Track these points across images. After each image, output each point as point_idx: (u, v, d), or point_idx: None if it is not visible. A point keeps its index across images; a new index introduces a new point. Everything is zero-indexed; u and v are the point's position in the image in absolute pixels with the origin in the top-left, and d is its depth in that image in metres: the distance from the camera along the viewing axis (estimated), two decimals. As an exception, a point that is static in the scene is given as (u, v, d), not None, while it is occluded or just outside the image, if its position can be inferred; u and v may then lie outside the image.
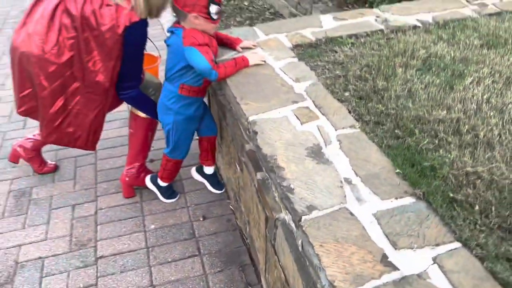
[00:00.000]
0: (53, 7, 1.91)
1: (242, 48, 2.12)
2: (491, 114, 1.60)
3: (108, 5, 1.89)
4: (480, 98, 1.69)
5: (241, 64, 1.97)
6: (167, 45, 2.02)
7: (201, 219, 2.32)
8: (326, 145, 1.52)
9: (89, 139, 2.20)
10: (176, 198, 2.44)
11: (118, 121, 3.07)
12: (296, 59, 2.05)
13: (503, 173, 1.36)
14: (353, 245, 1.18)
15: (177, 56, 1.94)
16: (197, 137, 2.36)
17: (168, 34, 2.01)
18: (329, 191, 1.34)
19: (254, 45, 2.15)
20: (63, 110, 2.08)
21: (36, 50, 1.93)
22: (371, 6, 3.27)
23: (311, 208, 1.30)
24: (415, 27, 2.33)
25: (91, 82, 2.01)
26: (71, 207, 2.43)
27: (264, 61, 2.02)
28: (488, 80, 1.79)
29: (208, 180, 2.46)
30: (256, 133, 1.61)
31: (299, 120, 1.65)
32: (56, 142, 2.24)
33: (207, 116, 2.26)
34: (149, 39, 2.24)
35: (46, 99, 2.04)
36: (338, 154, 1.48)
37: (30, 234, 2.27)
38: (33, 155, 2.58)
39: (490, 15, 2.42)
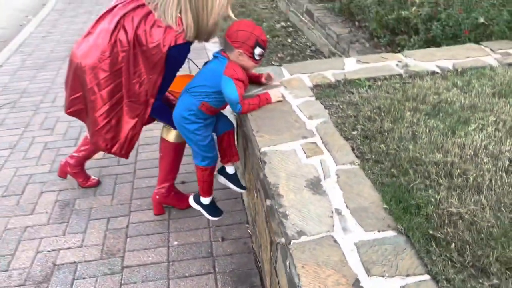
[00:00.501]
0: (114, 24, 2.18)
1: (266, 79, 2.35)
2: (486, 160, 1.69)
3: (159, 26, 2.12)
4: (479, 144, 1.78)
5: (264, 102, 2.18)
6: (205, 65, 2.25)
7: (220, 240, 2.51)
8: (325, 178, 1.68)
9: (124, 147, 2.39)
10: (221, 216, 2.49)
11: (157, 144, 3.35)
12: (313, 98, 2.23)
13: (485, 216, 1.45)
14: (331, 269, 1.31)
15: (212, 78, 2.14)
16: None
17: (211, 58, 2.25)
18: (320, 220, 1.49)
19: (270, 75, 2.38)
20: (106, 115, 2.30)
21: (93, 60, 2.20)
22: (403, 49, 3.41)
23: (300, 233, 1.45)
24: (433, 73, 2.45)
25: (134, 93, 2.24)
26: (106, 219, 2.70)
27: (283, 97, 2.22)
28: (491, 128, 1.88)
29: (231, 181, 2.51)
30: (265, 162, 1.80)
31: (305, 153, 1.82)
32: (95, 145, 2.44)
33: (220, 115, 2.38)
34: (196, 65, 2.46)
35: (94, 103, 2.28)
36: (334, 187, 1.63)
37: (68, 241, 2.55)
38: (77, 170, 2.89)
39: (510, 64, 2.50)
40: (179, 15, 2.11)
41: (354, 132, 1.96)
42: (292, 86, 2.36)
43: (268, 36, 5.55)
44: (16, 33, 6.40)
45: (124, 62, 2.18)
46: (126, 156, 2.46)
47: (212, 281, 2.25)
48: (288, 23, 5.99)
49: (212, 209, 2.49)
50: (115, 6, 2.24)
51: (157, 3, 2.12)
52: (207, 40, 2.28)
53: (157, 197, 2.66)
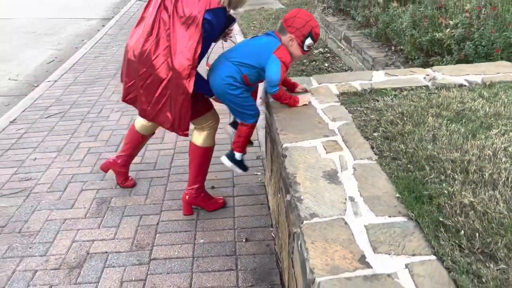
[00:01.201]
0: (157, 7, 2.30)
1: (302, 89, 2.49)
2: (504, 160, 1.71)
3: None
4: (499, 146, 1.80)
5: (292, 102, 2.31)
6: (254, 37, 2.36)
7: (244, 240, 2.58)
8: (341, 171, 1.74)
9: (181, 124, 2.41)
10: (248, 171, 2.66)
11: (192, 152, 3.50)
12: (338, 104, 2.31)
13: (498, 208, 1.46)
14: (339, 246, 1.37)
15: (259, 53, 2.24)
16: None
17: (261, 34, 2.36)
18: (333, 205, 1.56)
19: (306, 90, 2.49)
20: (163, 95, 2.36)
21: (142, 45, 2.31)
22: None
23: (313, 215, 1.52)
24: (461, 85, 2.48)
25: (177, 68, 2.26)
26: (139, 216, 2.84)
27: (308, 102, 2.33)
28: (513, 133, 1.89)
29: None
30: (285, 156, 1.89)
31: (325, 150, 1.89)
32: (161, 124, 2.49)
33: None
34: (234, 42, 2.51)
35: (152, 83, 2.36)
36: (350, 179, 1.69)
37: (102, 233, 2.70)
38: (123, 170, 3.07)
39: (541, 79, 2.49)
40: None
41: (375, 134, 2.02)
42: (319, 93, 2.45)
43: (305, 61, 5.72)
44: (72, 54, 6.89)
45: (170, 40, 2.25)
46: (185, 133, 2.43)
47: (234, 277, 2.32)
48: (326, 49, 6.14)
49: (242, 165, 2.61)
50: None
51: None
52: (235, 7, 2.32)
53: (187, 197, 2.78)
